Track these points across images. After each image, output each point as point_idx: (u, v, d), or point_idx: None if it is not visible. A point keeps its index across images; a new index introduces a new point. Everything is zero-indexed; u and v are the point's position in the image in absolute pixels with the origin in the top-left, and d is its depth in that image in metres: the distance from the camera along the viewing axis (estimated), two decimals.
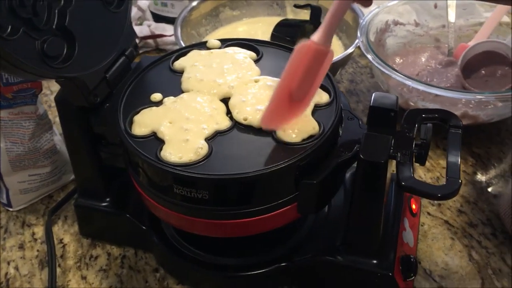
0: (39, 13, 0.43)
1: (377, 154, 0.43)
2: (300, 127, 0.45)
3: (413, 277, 0.50)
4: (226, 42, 0.56)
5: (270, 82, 0.50)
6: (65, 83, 0.47)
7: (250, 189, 0.44)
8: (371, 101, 0.47)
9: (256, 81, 0.50)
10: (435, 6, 0.79)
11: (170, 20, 0.90)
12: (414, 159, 0.45)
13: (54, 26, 0.44)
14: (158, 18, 0.92)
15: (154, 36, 0.86)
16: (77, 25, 0.46)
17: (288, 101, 0.44)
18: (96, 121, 0.50)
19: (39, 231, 0.60)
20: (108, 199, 0.56)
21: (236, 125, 0.46)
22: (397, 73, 0.64)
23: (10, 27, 0.40)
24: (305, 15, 0.83)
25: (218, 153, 0.44)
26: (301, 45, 0.44)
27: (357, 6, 0.79)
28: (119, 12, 0.51)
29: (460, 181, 0.42)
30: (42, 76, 0.44)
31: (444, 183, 0.42)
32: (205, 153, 0.43)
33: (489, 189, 0.63)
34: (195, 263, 0.53)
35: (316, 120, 0.46)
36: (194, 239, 0.54)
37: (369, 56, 0.67)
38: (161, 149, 0.44)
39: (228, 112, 0.48)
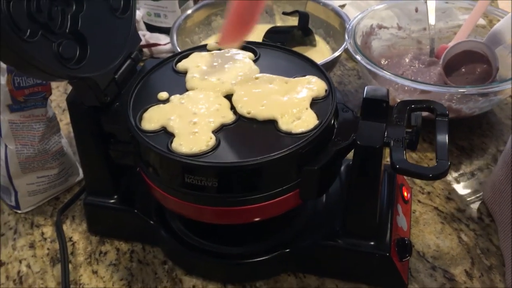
0: (54, 18, 0.46)
1: (373, 139, 0.47)
2: (300, 119, 0.49)
3: (408, 258, 0.54)
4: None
5: (269, 78, 0.53)
6: (78, 84, 0.50)
7: (256, 176, 0.47)
8: (364, 94, 0.51)
9: (256, 78, 0.54)
10: (416, 10, 0.84)
11: (163, 30, 0.93)
12: (406, 145, 0.49)
13: (67, 30, 0.47)
14: (151, 28, 0.95)
15: (149, 45, 0.89)
16: (88, 29, 0.49)
17: (240, 22, 0.53)
18: (107, 120, 0.53)
19: (48, 231, 0.62)
20: (116, 196, 0.59)
21: (240, 118, 0.50)
22: (384, 71, 0.68)
23: (29, 30, 0.43)
24: (293, 21, 0.87)
25: (225, 144, 0.47)
26: None
27: (343, 11, 0.84)
28: (124, 18, 0.54)
29: (449, 162, 0.46)
30: (59, 77, 0.47)
31: (435, 165, 0.46)
32: (213, 144, 0.47)
33: (474, 177, 0.67)
34: (202, 254, 0.55)
35: (315, 112, 0.50)
36: (200, 230, 0.57)
37: (358, 57, 0.71)
38: (171, 142, 0.47)
39: (232, 108, 0.51)
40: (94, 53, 0.49)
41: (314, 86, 0.52)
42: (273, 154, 0.45)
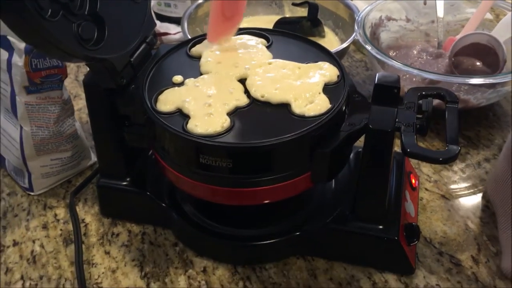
0: None
1: (384, 123, 0.48)
2: (313, 103, 0.50)
3: (416, 242, 0.55)
4: (237, 31, 0.60)
5: (282, 64, 0.54)
6: (95, 65, 0.50)
7: (268, 158, 0.48)
8: (376, 80, 0.51)
9: (269, 63, 0.54)
10: (425, 3, 0.85)
11: (173, 20, 0.94)
12: (416, 131, 0.50)
13: (86, 12, 0.48)
14: (161, 18, 0.96)
15: (159, 34, 0.90)
16: (106, 12, 0.50)
17: (222, 17, 0.55)
18: (122, 102, 0.53)
19: (61, 212, 0.63)
20: (128, 179, 0.60)
21: (254, 101, 0.51)
22: (393, 60, 0.69)
23: (50, 10, 0.44)
24: (302, 12, 0.88)
25: (239, 126, 0.48)
26: None
27: (352, 3, 0.85)
28: (140, 3, 0.55)
29: (459, 147, 0.47)
30: (78, 57, 0.47)
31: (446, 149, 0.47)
32: (228, 126, 0.48)
33: (481, 167, 0.68)
34: (212, 236, 0.56)
35: (327, 96, 0.51)
36: (211, 213, 0.58)
37: (367, 46, 0.72)
38: (187, 123, 0.48)
39: (246, 91, 0.52)
40: (112, 36, 0.50)
41: (326, 71, 0.53)
42: (286, 136, 0.46)
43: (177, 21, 0.92)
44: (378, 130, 0.48)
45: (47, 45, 0.44)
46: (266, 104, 0.50)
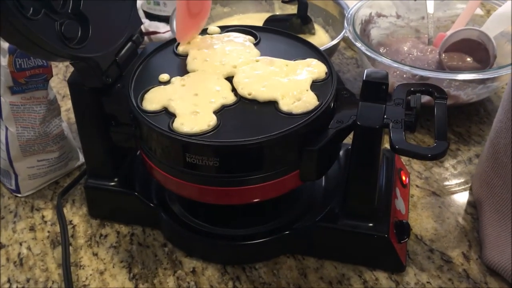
0: None
1: (372, 120, 0.48)
2: (300, 100, 0.49)
3: (407, 239, 0.55)
4: (225, 29, 0.60)
5: (270, 61, 0.54)
6: (79, 65, 0.50)
7: (256, 156, 0.47)
8: (364, 76, 0.51)
9: (257, 61, 0.54)
10: None
11: (162, 19, 0.94)
12: (405, 127, 0.50)
13: (69, 10, 0.47)
14: (150, 16, 0.95)
15: (148, 33, 0.89)
16: (90, 10, 0.49)
17: (188, 15, 0.55)
18: (108, 101, 0.53)
19: (48, 214, 0.63)
20: (116, 179, 0.59)
21: (241, 99, 0.50)
22: (383, 57, 0.68)
23: (32, 8, 0.43)
24: (292, 10, 0.87)
25: (226, 125, 0.47)
26: None
27: (342, 0, 0.84)
28: (126, 0, 0.55)
29: (448, 142, 0.47)
30: (61, 56, 0.47)
31: (434, 145, 0.47)
32: (215, 124, 0.47)
33: (472, 163, 0.67)
34: (201, 235, 0.56)
35: (315, 93, 0.50)
36: (200, 213, 0.57)
37: (357, 44, 0.72)
38: (173, 122, 0.47)
39: (233, 89, 0.51)
40: (96, 34, 0.49)
41: (314, 68, 0.53)
42: (274, 134, 0.46)
43: (166, 19, 0.91)
44: (366, 127, 0.47)
45: (29, 44, 0.43)
46: (254, 102, 0.50)
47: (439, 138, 0.47)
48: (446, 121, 0.49)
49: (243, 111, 0.49)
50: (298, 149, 0.48)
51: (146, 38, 0.90)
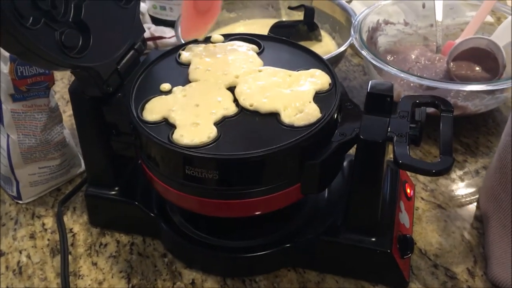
0: (57, 6, 0.45)
1: (376, 134, 0.47)
2: (303, 112, 0.48)
3: (410, 255, 0.53)
4: (228, 37, 0.59)
5: (273, 71, 0.53)
6: (80, 74, 0.49)
7: (256, 169, 0.47)
8: (368, 88, 0.50)
9: (260, 71, 0.53)
10: (423, 6, 0.83)
11: (168, 23, 0.93)
12: (409, 141, 0.48)
13: (70, 19, 0.47)
14: (157, 21, 0.95)
15: (154, 38, 0.89)
16: (91, 19, 0.48)
17: (195, 13, 0.54)
18: (109, 111, 0.52)
19: (49, 221, 0.62)
20: (117, 188, 0.58)
21: (243, 111, 0.49)
22: (389, 66, 0.67)
23: (31, 17, 0.42)
24: (299, 16, 0.86)
25: (227, 136, 0.47)
26: None
27: (349, 6, 0.83)
28: (128, 8, 0.54)
29: (453, 158, 0.46)
30: (61, 66, 0.46)
31: (439, 160, 0.46)
32: (215, 136, 0.46)
33: (479, 175, 0.66)
34: (202, 247, 0.55)
35: (318, 105, 0.49)
36: (201, 224, 0.56)
37: (363, 52, 0.70)
38: (172, 133, 0.47)
39: (235, 100, 0.50)
40: (97, 43, 0.49)
41: (317, 79, 0.52)
42: (274, 147, 0.45)
43: (172, 24, 0.90)
44: (369, 141, 0.46)
45: (29, 54, 0.43)
46: (255, 113, 0.49)
47: (444, 153, 0.46)
48: (451, 135, 0.48)
49: (244, 123, 0.48)
50: (299, 163, 0.47)
51: (151, 43, 0.90)
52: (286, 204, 0.50)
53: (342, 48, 0.75)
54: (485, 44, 0.74)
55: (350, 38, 0.74)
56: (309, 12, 0.82)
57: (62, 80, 0.85)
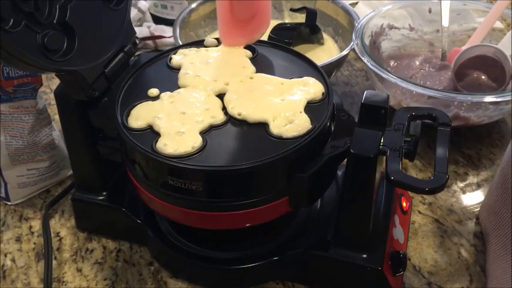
0: (40, 8, 0.44)
1: (367, 148, 0.45)
2: (292, 123, 0.46)
3: (402, 272, 0.51)
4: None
5: (265, 79, 0.51)
6: (64, 77, 0.48)
7: (242, 182, 0.45)
8: (363, 99, 0.48)
9: (251, 78, 0.51)
10: (430, 11, 0.81)
11: (170, 22, 0.91)
12: (403, 155, 0.47)
13: (55, 21, 0.45)
14: (157, 20, 0.93)
15: (153, 37, 0.87)
16: (77, 21, 0.47)
17: (232, 20, 0.51)
18: (94, 115, 0.51)
19: (36, 224, 0.61)
20: (104, 193, 0.57)
21: (231, 119, 0.47)
22: (390, 74, 0.65)
23: (12, 20, 0.41)
24: (302, 18, 0.84)
25: (212, 146, 0.45)
26: None
27: (353, 10, 0.81)
28: (119, 10, 0.53)
29: (447, 176, 0.43)
30: (43, 69, 0.45)
31: (432, 178, 0.44)
32: (200, 146, 0.44)
33: (480, 189, 0.64)
34: (189, 257, 0.53)
35: (309, 116, 0.47)
36: (188, 233, 0.55)
37: (364, 59, 0.68)
38: (156, 141, 0.45)
39: (223, 108, 0.49)
40: (83, 46, 0.47)
41: (311, 88, 0.50)
42: (261, 159, 0.43)
43: (173, 23, 0.89)
44: (360, 156, 0.44)
45: (9, 57, 0.42)
46: (243, 122, 0.47)
47: (439, 170, 0.44)
48: (447, 152, 0.46)
49: (231, 132, 0.47)
50: (288, 175, 0.45)
51: (151, 42, 0.88)
52: (274, 217, 0.49)
53: (343, 53, 0.73)
54: (492, 52, 0.72)
55: (352, 43, 0.72)
56: (311, 14, 0.80)
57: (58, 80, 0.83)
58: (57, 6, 0.46)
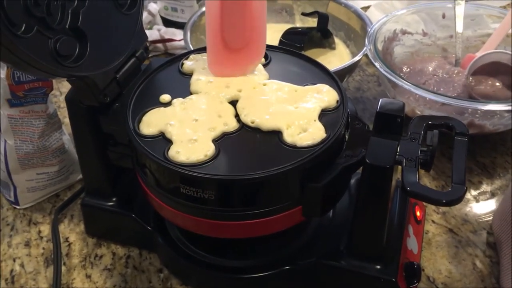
0: (52, 13, 0.43)
1: (383, 158, 0.44)
2: (307, 131, 0.45)
3: (416, 284, 0.51)
4: None
5: (278, 85, 0.50)
6: (76, 83, 0.47)
7: (255, 191, 0.44)
8: (378, 107, 0.47)
9: (264, 85, 0.50)
10: (443, 16, 0.79)
11: (180, 25, 0.91)
12: (419, 165, 0.46)
13: (67, 26, 0.45)
14: (168, 23, 0.93)
15: (163, 41, 0.87)
16: (89, 26, 0.46)
17: (223, 47, 0.47)
18: (105, 121, 0.50)
19: (46, 229, 0.61)
20: (114, 199, 0.57)
21: (244, 127, 0.47)
22: (403, 81, 0.64)
23: (24, 25, 0.41)
24: (313, 23, 0.83)
25: (225, 155, 0.44)
26: None
27: (365, 14, 0.80)
28: (131, 14, 0.52)
29: (465, 187, 0.43)
30: (54, 75, 0.44)
31: (450, 189, 0.43)
32: (212, 154, 0.44)
33: (495, 198, 0.63)
34: (199, 264, 0.53)
35: (323, 124, 0.46)
36: (198, 240, 0.54)
37: (377, 64, 0.67)
38: (168, 149, 0.44)
39: (236, 115, 0.48)
40: (94, 51, 0.47)
41: (325, 96, 0.49)
42: (274, 169, 0.42)
43: (183, 26, 0.88)
44: (375, 166, 0.44)
45: (20, 63, 0.41)
46: (256, 130, 0.46)
47: (457, 181, 0.43)
48: (465, 162, 0.45)
49: (244, 140, 0.46)
50: (301, 185, 0.44)
51: (161, 45, 0.88)
52: (286, 227, 0.48)
53: (356, 58, 0.72)
54: (507, 59, 0.71)
55: (364, 48, 0.71)
56: (323, 18, 0.80)
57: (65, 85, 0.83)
58: (70, 11, 0.45)
